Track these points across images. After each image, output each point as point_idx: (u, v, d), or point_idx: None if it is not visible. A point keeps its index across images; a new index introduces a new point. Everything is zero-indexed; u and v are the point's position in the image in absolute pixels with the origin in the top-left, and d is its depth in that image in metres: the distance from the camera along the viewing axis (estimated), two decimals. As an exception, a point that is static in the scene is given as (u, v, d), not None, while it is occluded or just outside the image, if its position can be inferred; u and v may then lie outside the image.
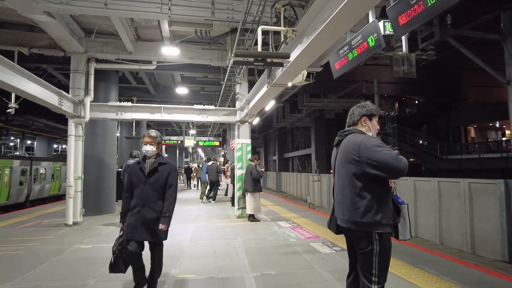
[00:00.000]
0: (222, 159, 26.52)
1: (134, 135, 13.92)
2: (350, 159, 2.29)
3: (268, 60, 4.05)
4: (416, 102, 34.07)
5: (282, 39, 4.56)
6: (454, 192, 8.29)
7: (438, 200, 8.74)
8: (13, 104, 8.09)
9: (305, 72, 5.08)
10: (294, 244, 5.80)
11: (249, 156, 8.86)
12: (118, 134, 15.64)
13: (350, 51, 5.32)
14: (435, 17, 6.06)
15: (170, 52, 8.24)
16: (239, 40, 5.77)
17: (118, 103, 8.58)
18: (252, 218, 8.20)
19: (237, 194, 8.81)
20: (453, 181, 8.62)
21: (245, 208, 8.51)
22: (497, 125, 29.34)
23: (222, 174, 13.89)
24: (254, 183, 8.10)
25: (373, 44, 4.77)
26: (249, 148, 8.94)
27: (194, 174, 20.11)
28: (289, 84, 5.28)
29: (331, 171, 2.70)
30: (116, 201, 12.18)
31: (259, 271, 4.34)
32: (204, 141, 20.86)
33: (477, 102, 25.60)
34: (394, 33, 4.18)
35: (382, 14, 5.66)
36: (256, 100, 6.57)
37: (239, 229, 7.23)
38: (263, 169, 8.48)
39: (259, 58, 3.99)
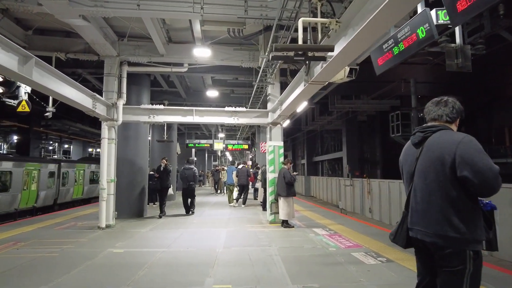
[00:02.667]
0: (250, 163, 26.37)
1: (165, 138, 13.99)
2: (444, 161, 1.92)
3: (310, 54, 3.74)
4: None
5: (320, 35, 4.24)
6: (506, 198, 7.58)
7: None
8: (50, 108, 8.27)
9: (347, 68, 4.72)
10: (334, 254, 5.40)
11: (282, 159, 8.54)
12: (149, 138, 15.85)
13: (396, 44, 4.90)
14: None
15: (202, 53, 8.12)
16: (274, 37, 5.49)
17: (150, 106, 8.56)
18: (285, 224, 7.85)
19: (270, 198, 8.50)
20: (504, 187, 7.93)
21: (277, 213, 8.19)
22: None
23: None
24: (287, 187, 7.76)
25: (423, 36, 4.34)
26: (282, 150, 8.62)
27: (221, 177, 18.91)
28: (329, 81, 4.94)
29: (402, 174, 2.32)
30: (148, 204, 12.27)
31: (300, 283, 3.99)
32: (233, 144, 20.77)
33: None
34: (450, 21, 3.75)
35: (428, 5, 5.20)
36: (291, 100, 6.25)
37: (273, 235, 6.92)
38: (296, 173, 8.12)
39: (300, 52, 3.69)
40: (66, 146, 37.02)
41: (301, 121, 28.25)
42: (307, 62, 4.83)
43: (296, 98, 5.95)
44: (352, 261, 4.94)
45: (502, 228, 7.49)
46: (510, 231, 7.28)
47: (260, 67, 8.70)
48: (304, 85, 5.11)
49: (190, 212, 10.24)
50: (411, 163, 2.18)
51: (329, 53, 4.05)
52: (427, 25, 4.18)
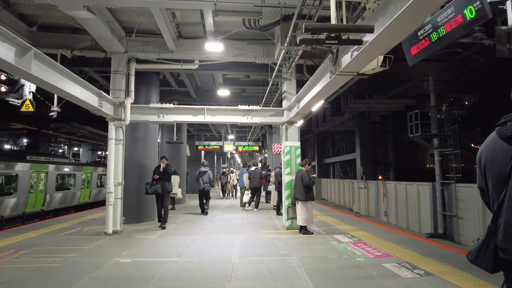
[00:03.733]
0: (260, 165, 25.80)
1: (175, 140, 13.55)
2: None
3: (344, 36, 3.22)
4: (466, 103, 31.30)
5: (345, 19, 3.71)
6: None
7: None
8: (55, 107, 7.89)
9: (380, 56, 4.19)
10: (363, 265, 4.84)
11: (299, 160, 8.01)
12: (159, 140, 15.45)
13: (435, 30, 4.34)
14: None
15: (214, 48, 7.64)
16: (295, 25, 4.98)
17: (159, 105, 8.12)
18: (304, 230, 7.30)
19: (286, 203, 7.96)
20: None
21: (295, 218, 7.65)
22: None
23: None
24: (305, 191, 7.22)
25: (472, 16, 3.77)
26: (298, 151, 8.09)
27: (230, 180, 17.05)
28: (360, 72, 4.41)
29: (484, 176, 1.77)
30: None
31: (332, 302, 3.46)
32: (244, 146, 20.24)
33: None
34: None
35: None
36: (312, 95, 5.70)
37: (292, 243, 6.37)
38: (314, 175, 7.58)
39: (332, 35, 3.18)
40: (75, 149, 37.03)
41: (311, 122, 27.62)
42: (334, 51, 4.31)
43: (318, 93, 5.40)
44: (386, 274, 4.37)
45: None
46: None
47: (274, 63, 8.21)
48: (330, 77, 4.57)
49: (205, 213, 10.82)
50: (503, 163, 1.63)
51: (365, 38, 3.52)
52: (477, 3, 3.62)
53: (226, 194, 17.91)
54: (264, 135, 23.12)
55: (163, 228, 8.07)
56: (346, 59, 4.22)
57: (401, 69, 14.95)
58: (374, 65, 4.21)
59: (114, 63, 8.04)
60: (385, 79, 15.77)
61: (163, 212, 8.29)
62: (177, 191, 12.52)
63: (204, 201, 10.94)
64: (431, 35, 4.37)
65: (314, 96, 5.70)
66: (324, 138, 30.98)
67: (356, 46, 3.93)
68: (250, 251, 5.80)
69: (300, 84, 8.07)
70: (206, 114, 8.12)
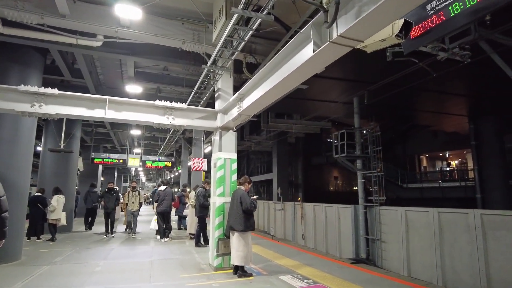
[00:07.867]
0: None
1: (62, 147, 10.34)
2: None
3: None
4: (364, 131, 34.21)
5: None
6: (461, 225, 7.31)
7: (438, 234, 7.77)
8: None
9: (400, 22, 2.83)
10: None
11: (235, 177, 6.24)
12: (40, 148, 11.91)
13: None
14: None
15: (128, 14, 5.46)
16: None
17: (35, 89, 5.41)
18: (240, 271, 5.44)
19: (216, 233, 6.01)
20: (459, 212, 7.60)
21: (227, 255, 5.77)
22: (447, 155, 30.43)
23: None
24: (245, 218, 5.44)
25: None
26: (235, 166, 6.32)
27: (125, 203, 10.61)
28: (362, 44, 2.97)
29: None
30: (29, 239, 8.62)
31: None
32: (153, 161, 17.38)
33: (432, 131, 25.75)
34: None
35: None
36: (275, 83, 3.95)
37: (230, 295, 4.46)
38: (256, 196, 5.90)
39: None
40: None
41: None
42: (328, 7, 2.78)
43: (287, 78, 3.69)
44: None
45: (458, 257, 7.20)
46: (467, 260, 7.00)
47: (207, 54, 6.49)
48: (316, 49, 2.99)
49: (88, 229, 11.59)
50: None
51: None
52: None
53: (113, 229, 10.56)
54: (178, 150, 20.61)
55: None
56: (349, 18, 2.71)
57: (323, 89, 14.78)
58: (387, 33, 2.82)
59: (-40, 18, 5.21)
60: (306, 98, 15.43)
61: None
62: (60, 215, 9.35)
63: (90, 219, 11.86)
64: (451, 8, 3.21)
65: (279, 83, 3.95)
66: (239, 157, 29.86)
67: (373, -4, 2.48)
68: (170, 316, 3.70)
69: (235, 89, 6.42)
70: (108, 108, 5.74)
